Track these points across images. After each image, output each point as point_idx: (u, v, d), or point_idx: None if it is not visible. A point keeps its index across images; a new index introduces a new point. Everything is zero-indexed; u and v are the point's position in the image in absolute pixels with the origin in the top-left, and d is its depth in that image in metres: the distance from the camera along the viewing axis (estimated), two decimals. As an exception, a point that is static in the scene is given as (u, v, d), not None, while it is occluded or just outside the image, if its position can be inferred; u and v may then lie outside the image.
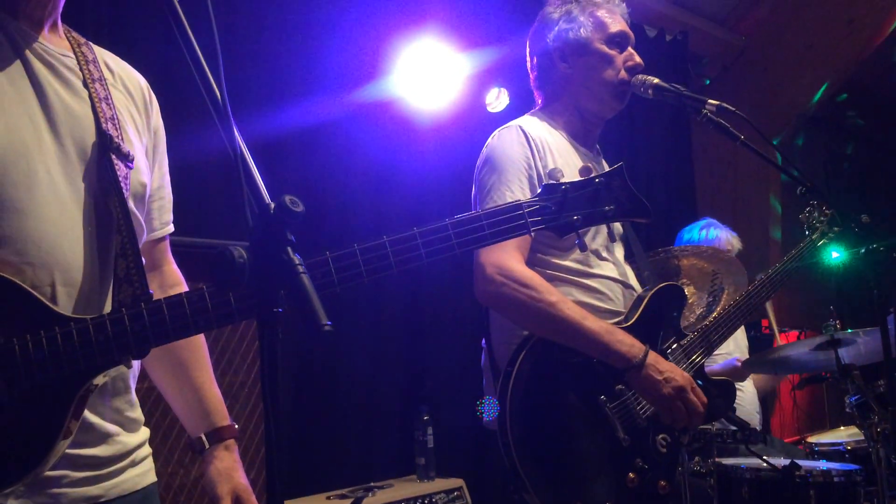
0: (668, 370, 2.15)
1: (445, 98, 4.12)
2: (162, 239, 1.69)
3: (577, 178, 1.60)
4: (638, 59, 2.44)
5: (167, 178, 1.69)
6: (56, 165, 1.38)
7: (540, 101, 2.57)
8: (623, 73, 2.43)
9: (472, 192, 2.42)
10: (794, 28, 5.94)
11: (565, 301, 2.17)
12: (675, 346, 2.38)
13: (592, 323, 2.15)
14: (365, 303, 3.88)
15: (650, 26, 5.48)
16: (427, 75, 4.04)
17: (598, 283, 2.33)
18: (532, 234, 1.52)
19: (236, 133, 1.16)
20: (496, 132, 2.40)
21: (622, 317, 2.35)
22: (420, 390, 3.96)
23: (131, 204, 1.49)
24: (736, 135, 2.39)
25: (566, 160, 2.37)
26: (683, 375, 2.16)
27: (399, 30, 3.99)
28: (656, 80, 2.42)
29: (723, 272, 3.33)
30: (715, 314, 3.23)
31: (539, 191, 1.56)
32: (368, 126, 3.94)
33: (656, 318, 2.37)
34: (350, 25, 3.89)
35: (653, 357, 2.16)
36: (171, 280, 1.71)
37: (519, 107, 4.06)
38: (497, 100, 4.22)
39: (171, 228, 1.70)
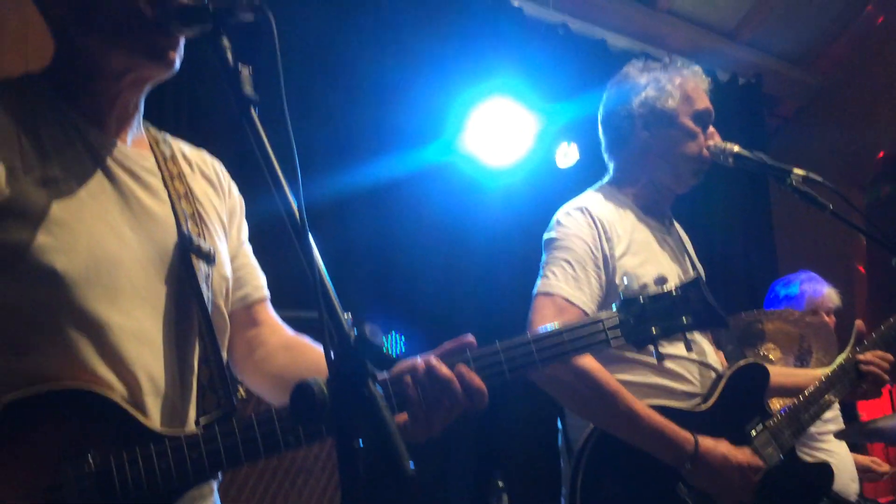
0: (721, 461, 2.07)
1: (514, 154, 4.10)
2: (258, 302, 1.66)
3: (651, 280, 1.63)
4: (719, 139, 2.38)
5: (247, 246, 1.69)
6: (138, 273, 1.39)
7: (611, 168, 2.52)
8: (704, 152, 2.37)
9: (542, 262, 2.38)
10: (874, 65, 5.74)
11: (621, 394, 2.11)
12: (760, 427, 2.27)
13: (644, 421, 2.09)
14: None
15: (722, 70, 5.37)
16: (496, 132, 4.02)
17: (675, 363, 2.25)
18: (611, 346, 1.53)
19: (315, 254, 1.14)
20: (563, 210, 2.36)
21: (699, 398, 2.26)
22: (496, 461, 3.89)
23: (215, 301, 1.49)
24: (824, 204, 2.29)
25: (633, 237, 2.32)
26: (742, 461, 2.08)
27: (468, 87, 4.00)
28: (737, 149, 2.35)
29: (810, 336, 3.21)
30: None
31: (618, 303, 1.58)
32: (438, 183, 3.94)
33: (737, 399, 2.27)
34: (419, 84, 3.91)
35: (706, 446, 2.08)
36: (281, 335, 1.66)
37: (588, 162, 4.01)
38: (566, 155, 4.17)
39: (264, 293, 1.68)
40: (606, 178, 2.53)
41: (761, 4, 5.29)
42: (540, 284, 2.23)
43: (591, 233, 2.25)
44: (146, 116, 1.58)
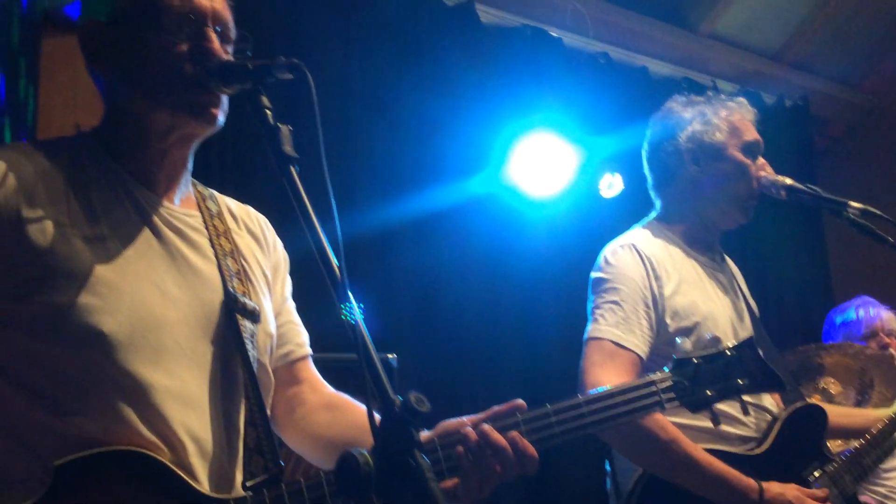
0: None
1: (558, 185, 4.06)
2: (301, 359, 1.66)
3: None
4: (770, 171, 2.32)
5: (290, 303, 1.69)
6: (184, 333, 1.39)
7: (658, 204, 2.48)
8: (754, 184, 2.31)
9: (588, 306, 2.33)
10: (926, 83, 5.60)
11: (679, 440, 2.04)
12: (818, 472, 2.19)
13: (705, 469, 2.03)
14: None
15: (767, 93, 5.28)
16: (539, 163, 4.00)
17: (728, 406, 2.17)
18: (665, 409, 1.50)
19: (360, 321, 1.12)
20: (610, 248, 2.32)
21: (754, 442, 2.18)
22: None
23: (260, 359, 1.49)
24: (883, 237, 2.21)
25: (682, 275, 2.27)
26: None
27: (509, 119, 3.98)
28: (790, 181, 2.30)
29: (871, 368, 3.11)
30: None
31: (671, 364, 1.54)
32: (481, 216, 3.92)
33: (794, 442, 2.19)
34: (461, 117, 3.91)
35: (772, 493, 2.01)
36: (322, 393, 1.65)
37: (633, 192, 3.96)
38: (610, 186, 4.13)
39: (307, 351, 1.68)
40: (653, 214, 2.48)
41: (806, 25, 5.20)
42: (590, 329, 2.18)
43: (640, 271, 2.20)
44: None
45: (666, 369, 1.53)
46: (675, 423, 2.08)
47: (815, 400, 3.00)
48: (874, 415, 2.42)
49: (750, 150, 2.35)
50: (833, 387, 3.13)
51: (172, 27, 1.39)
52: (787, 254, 5.08)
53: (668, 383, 1.51)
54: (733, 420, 2.17)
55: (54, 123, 2.74)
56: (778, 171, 2.43)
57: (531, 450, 1.37)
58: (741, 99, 2.44)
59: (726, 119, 2.35)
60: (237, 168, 3.13)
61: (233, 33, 1.48)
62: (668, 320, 2.17)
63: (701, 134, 2.34)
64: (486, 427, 1.36)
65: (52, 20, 2.78)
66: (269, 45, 3.25)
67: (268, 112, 1.29)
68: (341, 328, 1.15)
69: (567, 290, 4.03)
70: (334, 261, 1.17)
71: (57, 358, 1.30)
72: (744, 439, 2.17)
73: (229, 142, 2.97)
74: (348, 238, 1.19)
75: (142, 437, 1.29)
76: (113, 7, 1.43)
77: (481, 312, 3.90)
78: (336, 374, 2.18)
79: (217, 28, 1.43)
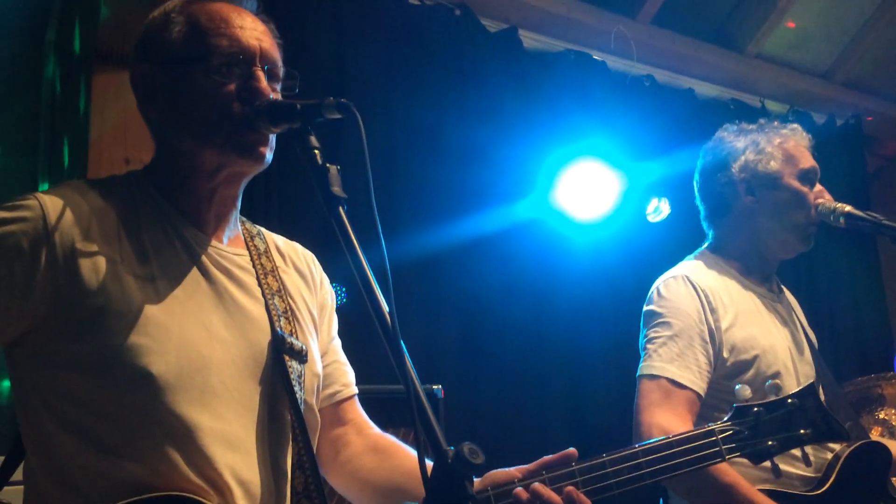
0: None
1: (604, 209, 4.01)
2: (347, 399, 1.65)
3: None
4: (829, 197, 2.25)
5: (336, 342, 1.68)
6: (231, 374, 1.38)
7: (711, 235, 2.42)
8: (812, 212, 2.25)
9: (640, 340, 2.27)
10: (981, 100, 5.44)
11: (739, 484, 1.97)
12: None
13: None
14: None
15: (818, 113, 5.17)
16: (585, 187, 3.95)
17: None
18: (727, 460, 1.47)
19: (410, 367, 1.10)
20: (663, 280, 2.26)
21: (815, 482, 2.10)
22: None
23: (307, 400, 1.48)
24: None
25: (739, 307, 2.21)
26: None
27: (554, 143, 3.95)
28: (848, 208, 2.23)
29: (934, 399, 2.98)
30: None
31: (731, 412, 1.51)
32: (527, 241, 3.89)
33: (857, 482, 2.10)
34: (506, 142, 3.89)
35: None
36: (368, 436, 1.64)
37: (679, 216, 3.90)
38: (657, 210, 4.06)
39: (353, 390, 1.66)
40: (706, 245, 2.42)
41: (856, 43, 5.09)
42: (644, 366, 2.12)
43: (695, 304, 2.14)
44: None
45: (726, 419, 1.49)
46: (734, 464, 2.00)
47: (875, 432, 2.90)
48: None
49: (807, 177, 2.30)
50: (894, 418, 3.03)
51: (221, 68, 1.40)
52: (842, 281, 4.94)
53: (729, 433, 1.48)
54: (793, 459, 2.09)
55: (105, 158, 2.78)
56: (830, 191, 2.37)
57: (586, 503, 1.33)
58: (795, 125, 2.38)
59: (780, 147, 2.30)
60: (282, 202, 3.14)
61: (281, 72, 1.48)
62: (725, 354, 2.11)
63: (755, 163, 2.29)
64: (539, 486, 1.32)
65: (102, 55, 2.83)
66: (314, 76, 3.27)
67: (316, 152, 1.28)
68: (385, 360, 1.13)
69: (613, 316, 3.96)
70: (384, 304, 1.15)
71: (106, 399, 1.29)
72: (804, 480, 2.10)
73: (274, 177, 2.98)
74: (392, 265, 1.18)
75: (189, 480, 1.28)
76: (163, 49, 1.43)
77: (527, 340, 3.85)
78: (380, 407, 2.16)
79: (265, 67, 1.43)
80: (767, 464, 2.05)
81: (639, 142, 4.14)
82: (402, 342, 1.12)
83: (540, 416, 3.81)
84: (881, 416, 3.02)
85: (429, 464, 1.04)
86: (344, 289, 3.50)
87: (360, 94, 3.42)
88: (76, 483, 1.27)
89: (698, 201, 2.46)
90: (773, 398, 1.54)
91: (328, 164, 1.26)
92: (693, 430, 1.47)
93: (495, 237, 3.76)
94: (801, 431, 1.53)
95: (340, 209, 1.23)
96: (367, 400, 1.84)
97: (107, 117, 2.80)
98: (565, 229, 3.98)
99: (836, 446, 2.18)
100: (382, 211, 1.21)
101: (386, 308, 1.15)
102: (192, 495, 1.26)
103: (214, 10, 1.44)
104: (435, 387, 2.84)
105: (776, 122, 2.42)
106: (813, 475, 2.12)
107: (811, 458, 2.11)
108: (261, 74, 1.42)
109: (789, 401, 1.54)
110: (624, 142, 4.05)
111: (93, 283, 1.31)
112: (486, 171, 3.80)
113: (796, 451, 2.07)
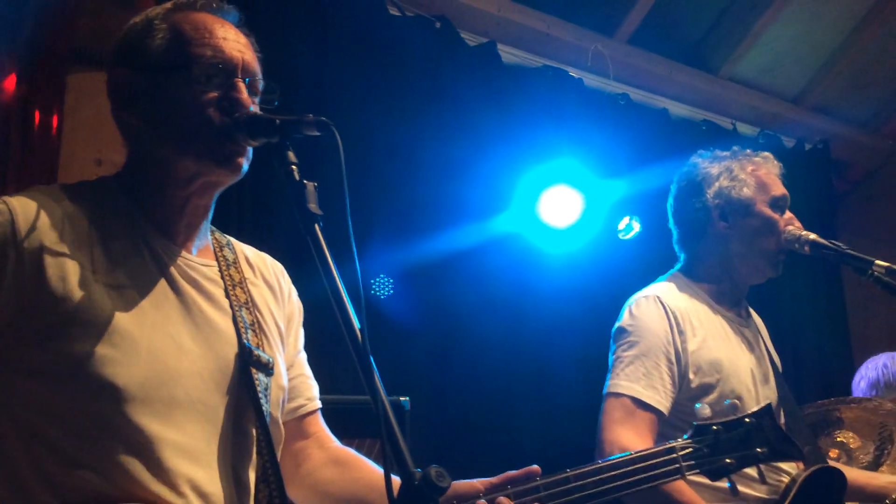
0: None
1: (574, 226, 4.05)
2: (310, 413, 1.66)
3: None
4: (798, 224, 2.30)
5: (302, 355, 1.68)
6: (197, 386, 1.37)
7: (683, 258, 2.46)
8: (783, 241, 2.32)
9: (611, 354, 2.30)
10: (947, 129, 5.57)
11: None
12: None
13: None
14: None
15: (787, 136, 5.26)
16: (556, 204, 3.98)
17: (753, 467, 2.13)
18: (685, 477, 1.50)
19: (379, 384, 1.11)
20: (635, 299, 2.30)
21: None
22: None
23: (272, 413, 1.47)
24: (907, 296, 2.17)
25: (708, 330, 2.25)
26: None
27: (526, 160, 3.97)
28: (813, 236, 2.28)
29: (892, 423, 3.06)
30: (884, 468, 2.94)
31: (691, 430, 1.56)
32: (499, 256, 3.90)
33: None
34: (477, 157, 3.90)
35: None
36: (328, 449, 1.65)
37: (650, 234, 3.94)
38: (628, 227, 4.10)
39: (316, 405, 1.67)
40: (678, 267, 2.46)
41: (827, 69, 5.18)
42: (610, 383, 2.16)
43: (664, 325, 2.18)
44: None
45: (686, 437, 1.53)
46: (693, 483, 2.04)
47: (833, 454, 2.96)
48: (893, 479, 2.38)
49: (777, 204, 2.36)
50: (853, 441, 3.09)
51: (203, 77, 1.40)
52: (805, 306, 5.02)
53: (689, 450, 1.51)
54: (751, 480, 2.12)
55: (77, 158, 2.75)
56: (797, 215, 2.43)
57: None
58: (767, 154, 2.44)
59: (753, 174, 2.35)
60: (256, 214, 3.14)
61: (260, 85, 1.49)
62: (690, 375, 2.14)
63: (729, 190, 2.34)
64: (505, 500, 1.33)
65: (76, 55, 2.80)
66: (292, 86, 3.25)
67: (294, 168, 1.28)
68: (352, 370, 1.13)
69: (585, 332, 3.98)
70: (355, 321, 1.16)
71: (67, 409, 1.29)
72: (762, 501, 2.13)
73: (247, 189, 2.97)
74: (365, 277, 1.19)
75: (148, 491, 1.28)
76: (145, 56, 1.43)
77: (498, 354, 3.86)
78: (347, 417, 2.15)
79: (246, 80, 1.44)
80: (725, 485, 2.10)
81: (612, 159, 4.18)
82: (371, 360, 1.13)
83: (509, 430, 3.82)
84: (839, 438, 3.08)
85: (395, 480, 1.05)
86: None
87: (336, 106, 3.42)
88: (32, 491, 1.26)
89: (671, 225, 2.51)
90: (732, 417, 1.58)
91: (305, 181, 1.26)
92: (654, 448, 1.51)
93: (469, 251, 3.77)
94: (758, 450, 1.56)
95: (316, 226, 1.24)
96: (332, 410, 1.84)
97: (80, 118, 2.78)
98: (538, 245, 4.01)
99: (793, 470, 2.22)
100: (355, 223, 1.22)
101: (357, 325, 1.16)
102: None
103: (199, 20, 1.45)
104: (402, 398, 2.85)
105: (748, 150, 2.47)
106: (769, 497, 2.16)
107: (768, 479, 2.15)
108: (242, 86, 1.42)
109: (747, 420, 1.58)
110: (597, 159, 4.08)
111: (60, 291, 1.30)
112: (459, 185, 3.82)
113: (752, 472, 2.12)
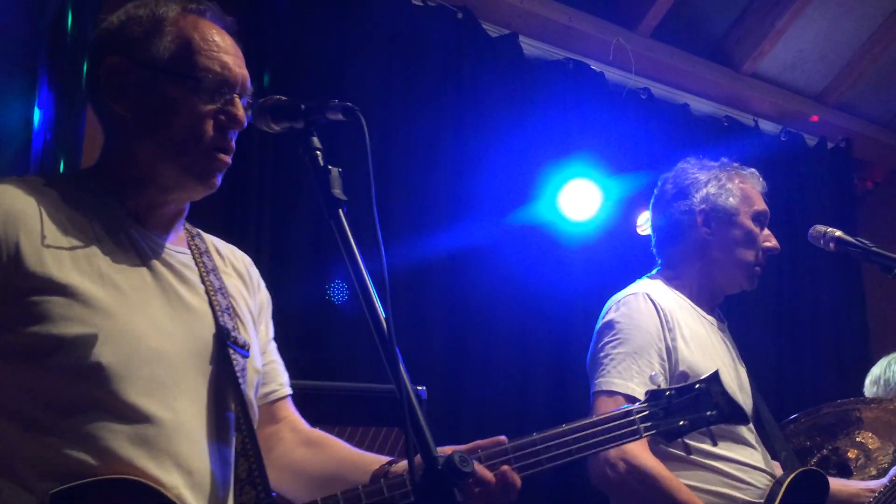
0: None
1: (593, 220, 4.04)
2: (281, 398, 1.70)
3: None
4: (775, 242, 2.34)
5: (272, 344, 1.72)
6: (179, 366, 1.40)
7: (661, 263, 2.47)
8: (760, 255, 2.36)
9: (590, 353, 2.31)
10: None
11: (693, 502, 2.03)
12: None
13: None
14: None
15: (810, 135, 5.21)
16: (575, 198, 3.98)
17: (740, 470, 2.18)
18: (644, 437, 1.61)
19: (403, 372, 1.11)
20: (623, 296, 2.31)
21: None
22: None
23: (248, 394, 1.51)
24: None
25: (694, 330, 2.27)
26: None
27: (546, 153, 3.97)
28: (838, 233, 2.27)
29: (911, 424, 3.03)
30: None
31: (647, 396, 1.67)
32: (517, 249, 3.90)
33: None
34: (496, 150, 3.90)
35: None
36: (300, 431, 1.68)
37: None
38: (647, 222, 4.08)
39: (287, 391, 1.71)
40: (655, 271, 2.48)
41: (850, 68, 5.13)
42: (602, 381, 2.15)
43: (655, 321, 2.19)
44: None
45: (643, 401, 1.65)
46: (686, 484, 2.06)
47: (852, 455, 2.95)
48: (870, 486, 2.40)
49: (759, 219, 2.40)
50: (871, 442, 3.07)
51: (206, 90, 1.43)
52: (824, 298, 4.98)
53: (645, 413, 1.63)
54: (743, 484, 2.18)
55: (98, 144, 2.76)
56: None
57: (517, 481, 1.43)
58: (753, 170, 2.50)
59: (739, 186, 2.40)
60: (275, 208, 3.14)
61: (250, 96, 1.51)
62: (678, 374, 2.16)
63: (716, 196, 2.37)
64: (475, 464, 1.35)
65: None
66: (312, 76, 3.27)
67: (318, 153, 1.29)
68: (375, 359, 1.14)
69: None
70: (380, 309, 1.16)
71: (52, 389, 1.31)
72: None
73: (268, 181, 2.96)
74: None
75: (136, 467, 1.30)
76: (149, 53, 1.45)
77: (513, 345, 3.87)
78: (371, 406, 2.16)
79: (243, 98, 1.48)
80: (716, 487, 2.12)
81: (632, 153, 4.17)
82: (397, 348, 1.13)
83: (524, 421, 3.83)
84: (859, 438, 3.06)
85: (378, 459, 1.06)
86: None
87: (357, 96, 3.42)
88: (21, 471, 1.28)
89: (651, 228, 2.52)
90: (683, 384, 1.70)
91: (330, 167, 1.27)
92: (613, 411, 1.62)
93: (487, 244, 3.77)
94: (708, 413, 1.68)
95: (340, 212, 1.25)
96: (352, 398, 1.86)
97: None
98: (554, 239, 4.00)
99: (778, 473, 2.24)
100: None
101: (382, 313, 1.16)
102: (138, 479, 1.28)
103: (207, 31, 1.48)
104: (419, 388, 2.86)
105: (736, 164, 2.50)
106: (756, 501, 2.17)
107: (759, 484, 2.17)
108: (239, 103, 1.46)
109: (697, 385, 1.71)
110: (617, 153, 4.07)
111: (39, 277, 1.32)
112: (478, 177, 3.81)
113: (745, 476, 2.15)
